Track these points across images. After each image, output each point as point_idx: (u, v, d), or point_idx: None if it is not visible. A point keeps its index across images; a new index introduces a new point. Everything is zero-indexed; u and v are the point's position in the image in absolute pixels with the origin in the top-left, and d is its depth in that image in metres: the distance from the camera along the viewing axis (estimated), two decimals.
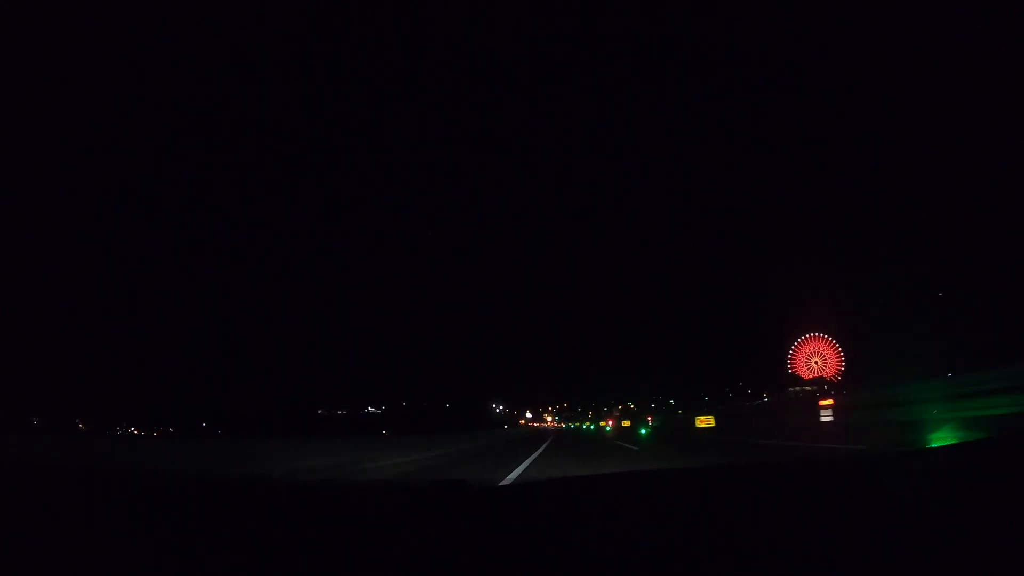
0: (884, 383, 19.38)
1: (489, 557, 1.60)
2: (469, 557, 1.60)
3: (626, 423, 51.06)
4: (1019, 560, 1.39)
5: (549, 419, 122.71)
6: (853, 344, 60.47)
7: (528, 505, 2.54)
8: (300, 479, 5.89)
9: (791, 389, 60.70)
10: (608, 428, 49.25)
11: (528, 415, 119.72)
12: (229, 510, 2.32)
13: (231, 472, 5.79)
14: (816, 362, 63.72)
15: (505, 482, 6.00)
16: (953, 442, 5.11)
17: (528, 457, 10.50)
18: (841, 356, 62.29)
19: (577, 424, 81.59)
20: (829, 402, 15.18)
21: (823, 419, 14.59)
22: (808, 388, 58.86)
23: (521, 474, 7.33)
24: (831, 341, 62.87)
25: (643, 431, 28.98)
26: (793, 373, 64.55)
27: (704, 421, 27.31)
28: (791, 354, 64.94)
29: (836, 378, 61.34)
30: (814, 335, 63.49)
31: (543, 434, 36.25)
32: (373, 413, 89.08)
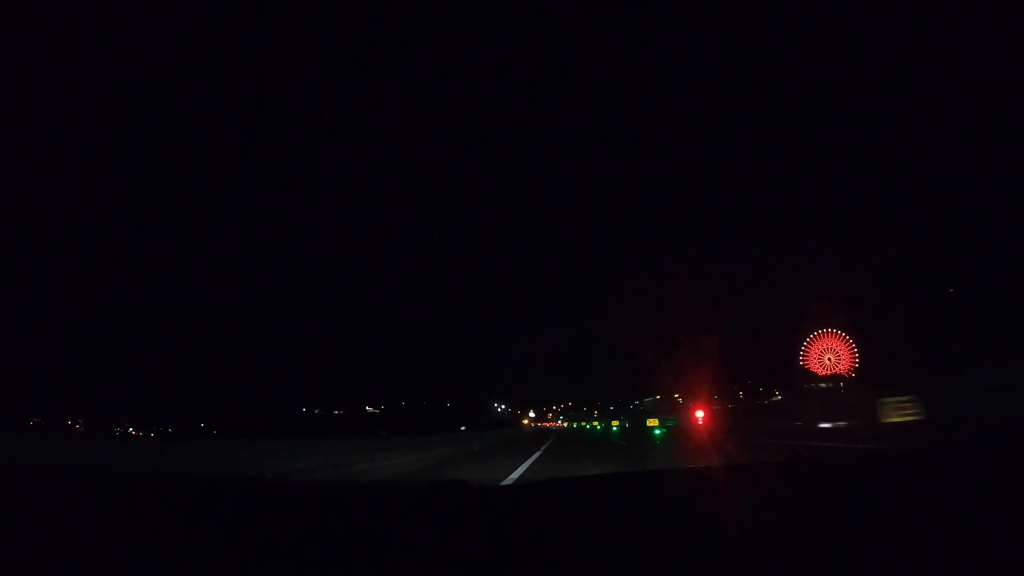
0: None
1: (490, 557, 1.62)
2: (470, 557, 1.62)
3: (652, 422, 49.41)
4: (1019, 560, 1.40)
5: (552, 418, 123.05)
6: (866, 339, 60.48)
7: (529, 505, 2.56)
8: (297, 480, 5.94)
9: (806, 386, 60.60)
10: (615, 428, 48.45)
11: (531, 414, 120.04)
12: (228, 511, 2.35)
13: (229, 472, 5.84)
14: (829, 358, 63.61)
15: (506, 482, 6.05)
16: None
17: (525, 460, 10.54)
18: (855, 352, 62.23)
19: (582, 424, 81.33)
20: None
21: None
22: (824, 385, 58.80)
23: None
24: (844, 336, 62.80)
25: (657, 431, 26.08)
26: (806, 370, 64.47)
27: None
28: (803, 351, 64.86)
29: (850, 374, 61.30)
30: (826, 331, 63.40)
31: (545, 435, 36.02)
32: (371, 413, 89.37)
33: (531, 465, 8.99)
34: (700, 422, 27.43)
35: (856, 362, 62.28)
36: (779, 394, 66.28)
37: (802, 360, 64.99)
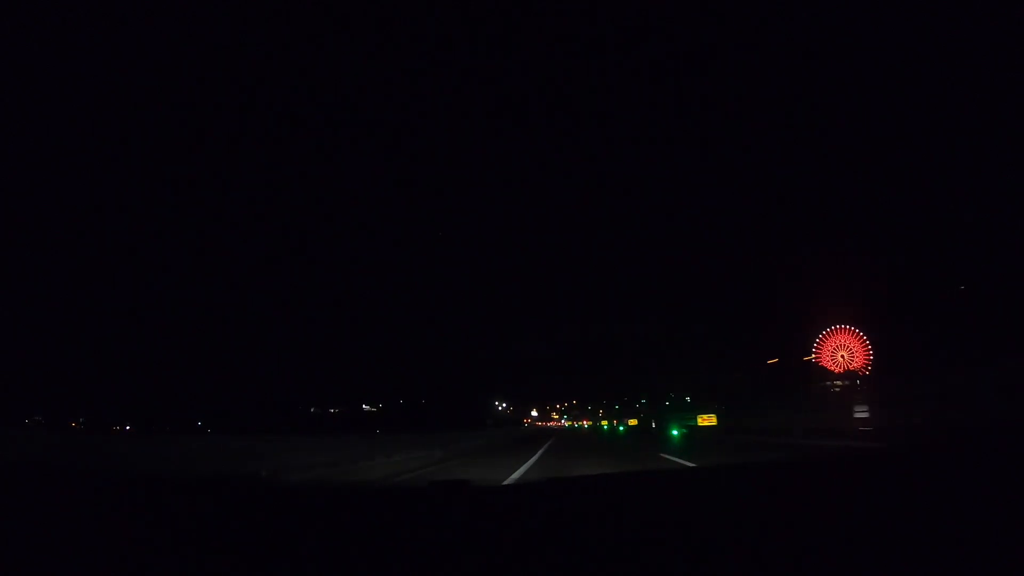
0: None
1: (491, 557, 1.66)
2: (471, 557, 1.66)
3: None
4: (1018, 559, 1.46)
5: (558, 418, 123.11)
6: (880, 335, 60.16)
7: (530, 505, 2.63)
8: (292, 479, 6.03)
9: (821, 384, 60.31)
10: (622, 429, 46.82)
11: (534, 413, 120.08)
12: (227, 511, 2.41)
13: (222, 471, 5.92)
14: (843, 356, 63.37)
15: (508, 482, 6.16)
16: None
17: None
18: (869, 348, 62.01)
19: (589, 423, 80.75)
20: None
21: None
22: (839, 383, 58.60)
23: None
24: (857, 333, 62.53)
25: (675, 432, 23.11)
26: (818, 367, 64.23)
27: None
28: (815, 348, 64.69)
29: (865, 371, 61.09)
30: (839, 327, 63.09)
31: (542, 437, 34.65)
32: (368, 411, 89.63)
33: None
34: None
35: (871, 358, 62.11)
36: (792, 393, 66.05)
37: (815, 357, 64.88)
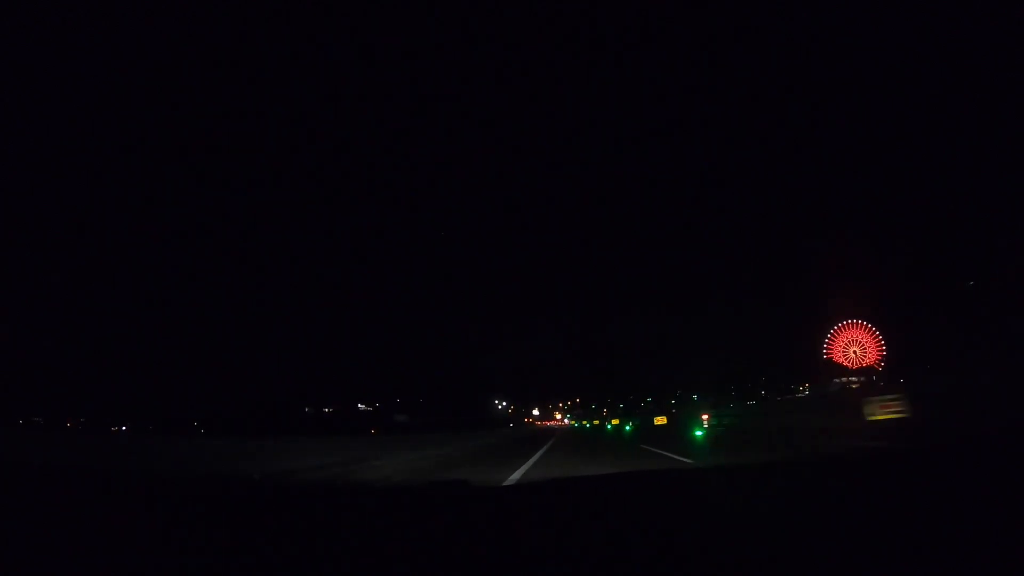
0: None
1: (491, 557, 1.70)
2: (471, 557, 1.70)
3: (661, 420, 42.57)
4: (1018, 559, 1.49)
5: (561, 417, 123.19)
6: (893, 331, 60.18)
7: (530, 505, 2.66)
8: (288, 481, 6.08)
9: (836, 380, 60.28)
10: (628, 428, 45.64)
11: (535, 412, 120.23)
12: (227, 511, 2.44)
13: (224, 472, 5.97)
14: (855, 351, 63.36)
15: (508, 482, 6.21)
16: None
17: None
18: (881, 344, 62.01)
19: (596, 422, 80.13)
20: None
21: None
22: (855, 379, 58.60)
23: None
24: (870, 328, 62.48)
25: (698, 432, 20.51)
26: (829, 363, 64.20)
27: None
28: (827, 343, 64.66)
29: (879, 367, 61.04)
30: (851, 322, 63.05)
31: (541, 437, 33.14)
32: (363, 410, 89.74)
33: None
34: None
35: (883, 353, 62.08)
36: (807, 389, 65.99)
37: (826, 353, 64.87)
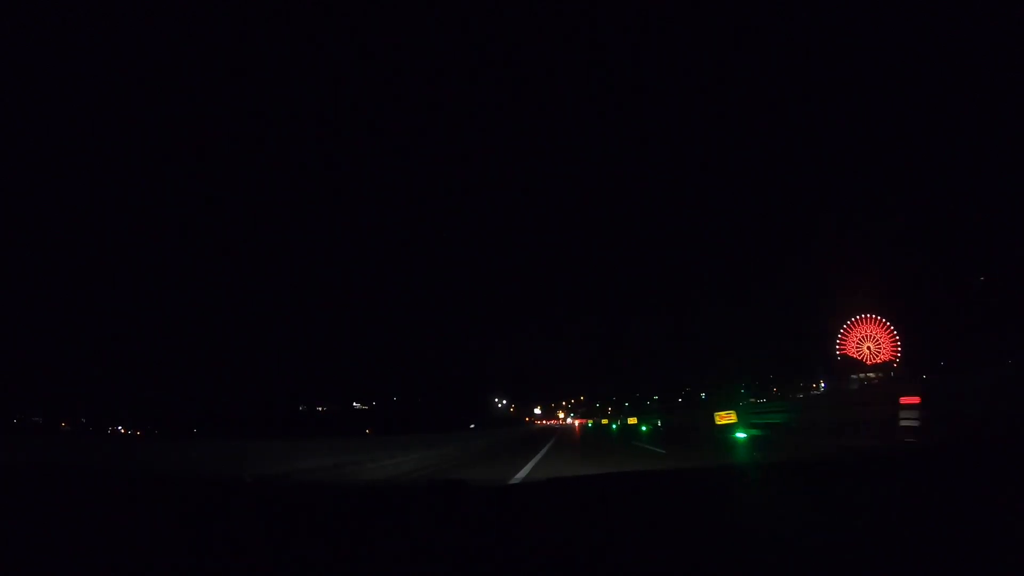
0: None
1: (491, 557, 1.72)
2: (471, 557, 1.72)
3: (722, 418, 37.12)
4: (1017, 559, 1.51)
5: (566, 417, 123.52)
6: (909, 326, 60.13)
7: (530, 505, 2.67)
8: (285, 483, 6.10)
9: (853, 376, 60.27)
10: (644, 428, 44.59)
11: (537, 411, 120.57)
12: (228, 511, 2.46)
13: (224, 473, 5.99)
14: (869, 347, 63.33)
15: (512, 481, 6.23)
16: None
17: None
18: (896, 340, 61.97)
19: (604, 421, 79.79)
20: None
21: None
22: (873, 375, 58.54)
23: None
24: (884, 323, 62.40)
25: (742, 434, 18.47)
26: (844, 359, 64.12)
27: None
28: (840, 339, 64.62)
29: (895, 363, 61.01)
30: (865, 316, 62.96)
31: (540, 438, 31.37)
32: (359, 409, 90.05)
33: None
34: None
35: (898, 348, 62.06)
36: (821, 386, 66.06)
37: (839, 348, 64.84)
